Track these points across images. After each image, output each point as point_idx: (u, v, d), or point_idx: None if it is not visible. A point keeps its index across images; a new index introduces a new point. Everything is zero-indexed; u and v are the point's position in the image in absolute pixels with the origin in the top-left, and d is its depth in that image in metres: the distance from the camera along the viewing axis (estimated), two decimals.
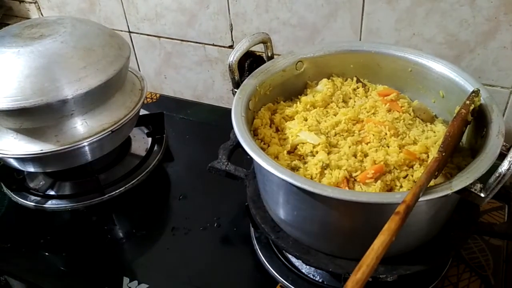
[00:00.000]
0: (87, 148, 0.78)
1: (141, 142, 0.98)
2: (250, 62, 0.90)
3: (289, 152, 0.63)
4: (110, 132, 0.78)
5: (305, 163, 0.61)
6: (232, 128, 0.60)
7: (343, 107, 0.71)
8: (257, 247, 0.74)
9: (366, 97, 0.73)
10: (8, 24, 1.18)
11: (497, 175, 0.48)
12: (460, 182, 0.49)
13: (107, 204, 0.85)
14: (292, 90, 0.75)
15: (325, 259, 0.61)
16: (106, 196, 0.85)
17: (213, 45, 1.04)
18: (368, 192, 0.55)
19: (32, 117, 0.72)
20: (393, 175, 0.58)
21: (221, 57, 1.06)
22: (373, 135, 0.63)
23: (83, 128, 0.76)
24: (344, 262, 0.60)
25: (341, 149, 0.61)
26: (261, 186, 0.67)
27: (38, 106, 0.70)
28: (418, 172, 0.58)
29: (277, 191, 0.60)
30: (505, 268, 0.70)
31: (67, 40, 0.75)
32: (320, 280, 0.68)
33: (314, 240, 0.62)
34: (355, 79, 0.75)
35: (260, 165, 0.54)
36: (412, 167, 0.59)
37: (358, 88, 0.74)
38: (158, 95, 1.19)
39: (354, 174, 0.58)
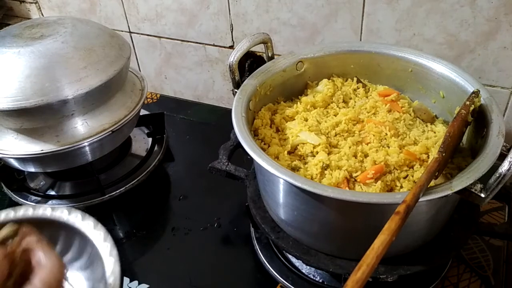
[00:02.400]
0: (87, 148, 0.78)
1: (141, 142, 0.98)
2: (250, 62, 0.90)
3: (289, 153, 0.64)
4: (110, 132, 0.78)
5: (305, 163, 0.61)
6: (232, 128, 0.60)
7: (344, 107, 0.71)
8: (257, 247, 0.74)
9: (367, 97, 0.73)
10: (8, 24, 1.18)
11: (497, 175, 0.48)
12: (461, 182, 0.49)
13: (107, 204, 0.85)
14: (293, 90, 0.75)
15: (325, 259, 0.61)
16: (107, 196, 0.85)
17: (214, 45, 1.04)
18: (369, 193, 0.55)
19: (32, 117, 0.73)
20: (393, 175, 0.58)
21: (222, 57, 1.06)
22: (374, 135, 0.63)
23: (83, 128, 0.76)
24: (344, 262, 0.60)
25: (342, 149, 0.62)
26: (262, 186, 0.67)
27: (39, 106, 0.70)
28: (419, 173, 0.58)
29: (277, 191, 0.61)
30: (505, 269, 0.70)
31: (68, 40, 0.76)
32: (320, 281, 0.69)
33: (314, 240, 0.62)
34: (355, 79, 0.75)
35: (261, 165, 0.54)
36: (412, 167, 0.59)
37: (358, 88, 0.74)
38: (158, 95, 1.19)
39: (354, 175, 0.58)
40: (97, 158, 0.82)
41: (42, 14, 1.24)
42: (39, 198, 0.86)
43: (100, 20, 1.14)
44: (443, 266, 0.69)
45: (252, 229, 0.77)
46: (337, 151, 0.62)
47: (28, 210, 0.60)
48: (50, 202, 0.85)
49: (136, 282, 0.72)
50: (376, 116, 0.67)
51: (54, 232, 0.61)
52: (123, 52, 0.81)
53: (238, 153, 0.74)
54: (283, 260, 0.72)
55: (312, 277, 0.69)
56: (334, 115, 0.69)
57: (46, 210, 0.60)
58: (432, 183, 0.51)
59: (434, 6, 0.78)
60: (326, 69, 0.76)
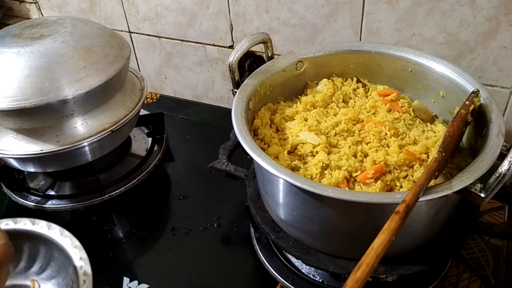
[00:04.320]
0: (87, 148, 0.78)
1: (141, 142, 0.98)
2: (250, 62, 0.90)
3: (289, 152, 0.63)
4: (110, 132, 0.78)
5: (305, 163, 0.61)
6: (232, 128, 0.60)
7: (343, 107, 0.71)
8: (257, 247, 0.74)
9: (366, 97, 0.73)
10: (8, 24, 1.18)
11: (497, 175, 0.48)
12: (460, 182, 0.49)
13: (107, 204, 0.85)
14: (292, 90, 0.75)
15: (325, 259, 0.61)
16: (106, 196, 0.85)
17: (213, 45, 1.04)
18: (368, 192, 0.55)
19: (32, 117, 0.73)
20: (393, 175, 0.58)
21: (221, 57, 1.06)
22: (373, 135, 0.63)
23: (83, 128, 0.76)
24: (344, 262, 0.60)
25: (341, 149, 0.61)
26: (261, 186, 0.67)
27: (38, 106, 0.70)
28: (418, 172, 0.58)
29: (277, 191, 0.60)
30: (505, 268, 0.70)
31: (67, 40, 0.75)
32: (320, 280, 0.69)
33: (314, 240, 0.62)
34: (355, 79, 0.75)
35: (260, 165, 0.54)
36: (412, 167, 0.59)
37: (358, 88, 0.74)
38: (158, 95, 1.19)
39: (354, 174, 0.58)
40: (97, 158, 0.82)
41: (42, 14, 1.24)
42: (38, 198, 0.86)
43: (99, 20, 1.14)
44: (443, 266, 0.69)
45: (252, 229, 0.77)
46: (337, 151, 0.62)
47: (9, 223, 0.61)
48: (50, 202, 0.85)
49: (136, 282, 0.72)
50: (376, 116, 0.67)
51: (35, 246, 0.62)
52: (122, 52, 0.81)
53: (238, 153, 0.74)
54: (283, 260, 0.72)
55: (312, 276, 0.69)
56: (334, 115, 0.69)
57: (26, 224, 0.61)
58: (432, 183, 0.51)
59: (434, 5, 0.78)
60: (326, 69, 0.76)
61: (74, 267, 0.57)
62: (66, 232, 0.61)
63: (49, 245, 0.61)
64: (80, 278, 0.55)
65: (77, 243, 0.60)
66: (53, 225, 0.62)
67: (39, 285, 0.63)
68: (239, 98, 0.65)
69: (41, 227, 0.61)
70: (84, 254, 0.58)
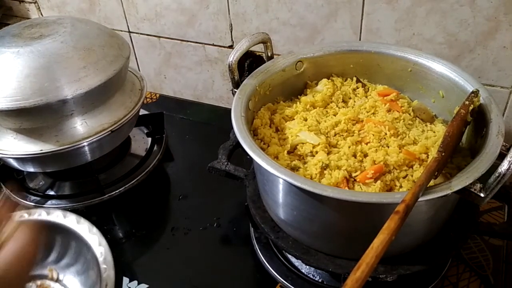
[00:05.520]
0: (86, 148, 0.78)
1: (141, 142, 0.98)
2: (250, 62, 0.90)
3: (289, 152, 0.63)
4: (109, 132, 0.78)
5: (304, 163, 0.61)
6: (232, 128, 0.60)
7: (343, 107, 0.71)
8: (257, 247, 0.74)
9: (366, 97, 0.73)
10: (7, 24, 1.18)
11: (497, 175, 0.48)
12: (460, 182, 0.49)
13: (107, 204, 0.85)
14: (292, 90, 0.75)
15: (325, 259, 0.61)
16: (106, 196, 0.85)
17: (213, 45, 1.04)
18: (368, 192, 0.55)
19: (31, 117, 0.72)
20: (392, 175, 0.58)
21: (221, 57, 1.06)
22: (373, 135, 0.63)
23: (82, 128, 0.76)
24: (344, 262, 0.60)
25: (341, 149, 0.61)
26: (261, 186, 0.67)
27: (38, 106, 0.70)
28: (418, 172, 0.58)
29: (277, 191, 0.60)
30: (504, 268, 0.70)
31: (67, 40, 0.75)
32: (320, 280, 0.69)
33: (314, 240, 0.62)
34: (355, 79, 0.75)
35: (260, 165, 0.54)
36: (411, 167, 0.59)
37: (358, 88, 0.74)
38: (158, 95, 1.19)
39: (353, 174, 0.58)
40: (96, 158, 0.82)
41: (42, 14, 1.24)
42: (38, 198, 0.86)
43: (99, 20, 1.13)
44: (442, 266, 0.69)
45: (251, 229, 0.77)
46: (336, 151, 0.62)
47: (23, 214, 0.61)
48: (49, 202, 0.85)
49: (135, 282, 0.72)
50: (376, 116, 0.67)
51: (51, 236, 0.62)
52: (122, 52, 0.81)
53: (237, 153, 0.74)
54: (283, 260, 0.72)
55: (311, 276, 0.69)
56: (333, 115, 0.69)
57: (41, 214, 0.61)
58: (431, 182, 0.51)
59: (434, 5, 0.78)
60: (326, 68, 0.76)
61: (93, 254, 0.57)
62: (82, 220, 0.61)
63: (65, 234, 0.61)
64: (100, 265, 0.55)
65: (95, 229, 0.59)
66: (69, 214, 0.62)
67: (58, 274, 0.63)
68: (239, 98, 0.65)
69: (56, 216, 0.61)
70: (103, 240, 0.58)
